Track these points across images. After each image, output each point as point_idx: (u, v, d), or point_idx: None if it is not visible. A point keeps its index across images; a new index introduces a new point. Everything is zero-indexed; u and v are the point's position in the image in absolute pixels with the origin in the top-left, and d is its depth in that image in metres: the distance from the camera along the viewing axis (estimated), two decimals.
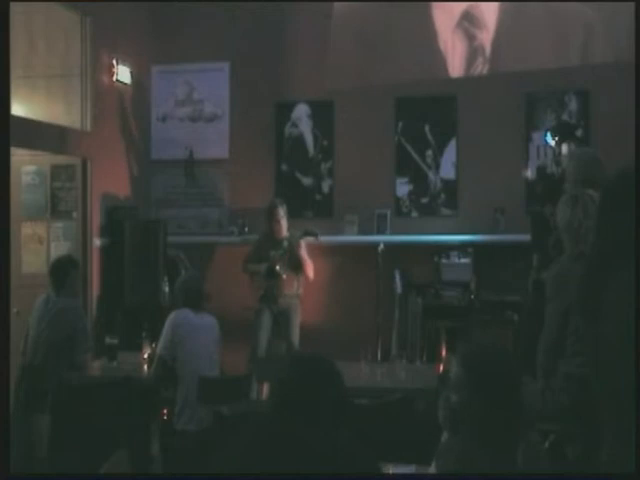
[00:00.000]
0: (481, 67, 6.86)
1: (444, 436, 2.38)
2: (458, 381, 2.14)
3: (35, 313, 4.97)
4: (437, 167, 6.95)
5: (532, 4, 6.59)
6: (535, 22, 6.63)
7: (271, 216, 6.41)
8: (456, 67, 6.89)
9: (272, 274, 6.27)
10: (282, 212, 6.40)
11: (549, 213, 4.37)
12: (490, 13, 6.79)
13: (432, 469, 2.29)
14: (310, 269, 6.35)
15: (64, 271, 5.03)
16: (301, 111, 7.27)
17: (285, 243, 6.34)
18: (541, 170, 6.69)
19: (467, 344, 2.99)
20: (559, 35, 6.67)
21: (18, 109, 5.91)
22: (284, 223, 6.40)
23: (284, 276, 6.28)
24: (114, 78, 6.87)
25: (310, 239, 6.35)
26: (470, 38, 6.85)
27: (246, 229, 7.14)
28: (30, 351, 4.91)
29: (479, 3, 6.81)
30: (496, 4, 6.79)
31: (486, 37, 6.81)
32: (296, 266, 6.33)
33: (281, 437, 2.00)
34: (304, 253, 6.31)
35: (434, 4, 6.89)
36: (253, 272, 6.41)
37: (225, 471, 2.01)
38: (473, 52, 6.85)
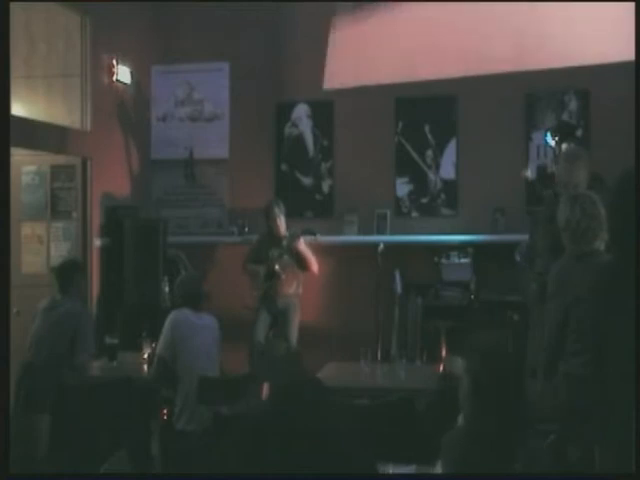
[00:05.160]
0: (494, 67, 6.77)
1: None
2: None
3: (39, 314, 4.97)
4: (437, 167, 6.94)
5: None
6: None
7: (269, 215, 6.45)
8: (460, 68, 6.84)
9: (271, 274, 6.28)
10: (279, 210, 6.43)
11: (548, 213, 4.36)
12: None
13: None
14: (313, 263, 6.38)
15: (69, 274, 5.03)
16: (301, 111, 7.26)
17: (284, 242, 6.34)
18: (541, 170, 6.69)
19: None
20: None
21: (18, 109, 5.90)
22: (282, 221, 6.43)
23: (283, 276, 6.29)
24: (114, 78, 6.87)
25: (309, 238, 6.36)
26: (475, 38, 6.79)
27: (246, 229, 7.14)
28: (32, 351, 4.90)
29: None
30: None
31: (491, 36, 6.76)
32: (298, 263, 6.34)
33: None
34: (304, 248, 6.32)
35: (434, 4, 6.87)
36: (252, 272, 6.41)
37: None
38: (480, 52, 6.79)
